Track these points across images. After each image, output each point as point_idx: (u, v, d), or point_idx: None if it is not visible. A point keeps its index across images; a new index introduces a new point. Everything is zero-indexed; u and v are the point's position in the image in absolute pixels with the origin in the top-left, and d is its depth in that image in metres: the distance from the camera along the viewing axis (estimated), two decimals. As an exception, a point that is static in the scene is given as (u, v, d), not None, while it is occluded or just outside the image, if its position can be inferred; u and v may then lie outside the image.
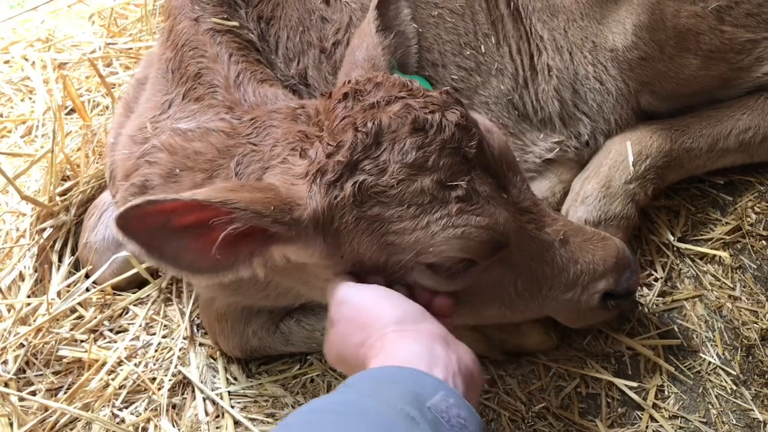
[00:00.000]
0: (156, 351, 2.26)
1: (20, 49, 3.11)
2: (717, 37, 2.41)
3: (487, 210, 1.63)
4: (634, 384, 2.14)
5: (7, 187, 2.52)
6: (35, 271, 2.40)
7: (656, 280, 2.39)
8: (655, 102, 2.50)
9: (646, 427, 2.08)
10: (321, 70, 2.14)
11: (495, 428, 2.06)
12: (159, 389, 2.16)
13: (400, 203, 1.59)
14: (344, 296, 1.58)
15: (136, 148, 1.99)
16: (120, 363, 2.22)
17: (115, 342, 2.30)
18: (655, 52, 2.38)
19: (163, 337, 2.30)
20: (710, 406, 2.14)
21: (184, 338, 2.28)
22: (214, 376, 2.22)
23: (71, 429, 2.07)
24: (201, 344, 2.30)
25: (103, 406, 2.12)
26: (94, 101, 2.87)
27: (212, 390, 2.17)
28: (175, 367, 2.20)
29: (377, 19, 1.98)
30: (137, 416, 2.11)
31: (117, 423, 2.07)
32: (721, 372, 2.20)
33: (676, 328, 2.29)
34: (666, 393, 2.16)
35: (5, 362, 2.16)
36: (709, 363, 2.22)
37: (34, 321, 2.26)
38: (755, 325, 2.29)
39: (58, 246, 2.48)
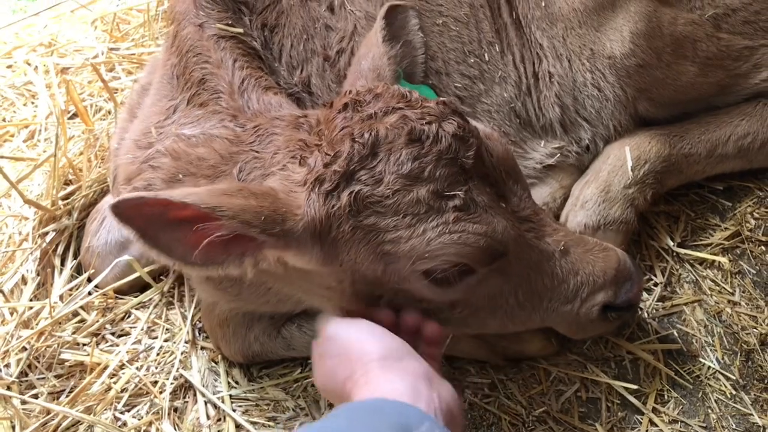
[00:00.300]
0: (158, 354, 2.27)
1: (23, 54, 3.12)
2: (714, 45, 2.42)
3: (484, 219, 1.63)
4: (634, 388, 2.14)
5: (9, 191, 2.53)
6: (38, 274, 2.40)
7: (656, 285, 2.40)
8: (652, 109, 2.50)
9: (646, 431, 2.08)
10: (324, 78, 2.14)
11: (496, 432, 2.07)
12: (161, 393, 2.16)
13: (395, 213, 1.59)
14: (331, 332, 1.61)
15: (139, 152, 2.00)
16: (122, 366, 2.23)
17: (117, 345, 2.30)
18: (652, 60, 2.38)
19: (165, 340, 2.31)
20: (710, 411, 2.15)
21: (186, 342, 2.28)
22: (216, 380, 2.23)
23: (73, 432, 2.07)
24: (203, 348, 2.30)
25: (105, 410, 2.12)
26: (96, 106, 2.88)
27: (214, 393, 2.17)
28: (177, 371, 2.21)
29: (384, 29, 1.99)
30: (139, 419, 2.11)
31: (119, 426, 2.08)
32: (720, 376, 2.21)
33: (675, 333, 2.30)
34: (666, 397, 2.17)
35: (8, 365, 2.16)
36: (709, 367, 2.23)
37: (37, 324, 2.26)
38: (754, 329, 2.30)
39: (60, 250, 2.49)
